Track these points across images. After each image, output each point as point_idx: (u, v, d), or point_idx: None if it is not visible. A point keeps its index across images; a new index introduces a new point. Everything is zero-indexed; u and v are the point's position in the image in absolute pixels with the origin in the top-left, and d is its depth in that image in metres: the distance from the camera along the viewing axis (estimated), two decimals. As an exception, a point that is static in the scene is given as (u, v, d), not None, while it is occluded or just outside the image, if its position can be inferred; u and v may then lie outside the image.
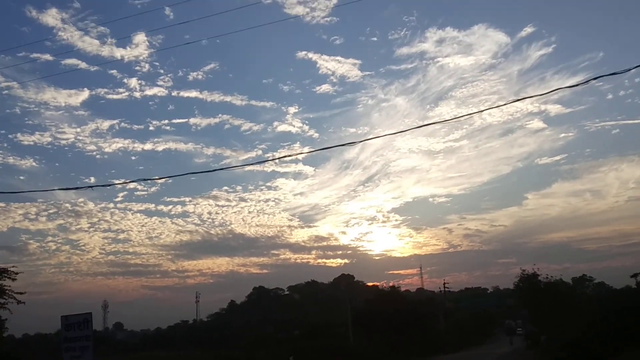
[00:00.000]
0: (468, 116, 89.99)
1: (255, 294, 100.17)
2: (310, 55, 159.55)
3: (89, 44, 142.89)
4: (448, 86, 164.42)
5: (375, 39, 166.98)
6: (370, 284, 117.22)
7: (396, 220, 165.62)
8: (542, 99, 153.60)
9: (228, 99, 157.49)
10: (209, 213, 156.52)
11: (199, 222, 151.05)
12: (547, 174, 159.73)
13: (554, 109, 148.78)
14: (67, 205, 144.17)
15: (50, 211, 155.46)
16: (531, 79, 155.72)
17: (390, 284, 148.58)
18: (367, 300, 61.02)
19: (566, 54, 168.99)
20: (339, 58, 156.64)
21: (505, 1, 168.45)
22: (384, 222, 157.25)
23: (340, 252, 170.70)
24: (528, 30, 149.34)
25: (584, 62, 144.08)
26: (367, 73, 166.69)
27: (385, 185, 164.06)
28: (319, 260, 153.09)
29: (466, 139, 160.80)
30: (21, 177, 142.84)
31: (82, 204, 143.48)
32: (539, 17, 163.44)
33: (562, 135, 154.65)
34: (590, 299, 46.84)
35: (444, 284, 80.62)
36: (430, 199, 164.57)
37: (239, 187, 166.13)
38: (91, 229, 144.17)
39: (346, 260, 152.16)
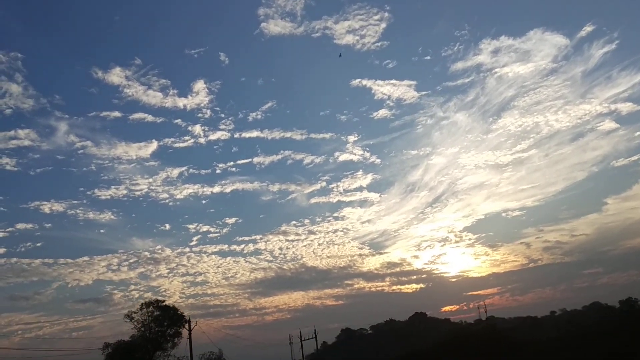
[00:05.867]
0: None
1: (343, 334, 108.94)
2: (365, 82, 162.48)
3: (153, 97, 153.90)
4: (509, 96, 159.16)
5: (428, 57, 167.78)
6: (448, 308, 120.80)
7: (469, 239, 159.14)
8: (612, 98, 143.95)
9: (288, 134, 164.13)
10: (280, 249, 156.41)
11: (271, 258, 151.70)
12: (625, 175, 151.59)
13: (625, 107, 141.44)
14: (146, 253, 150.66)
15: (131, 261, 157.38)
16: (597, 78, 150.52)
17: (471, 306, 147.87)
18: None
19: (631, 48, 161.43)
20: (393, 81, 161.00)
21: (559, 2, 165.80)
22: (456, 242, 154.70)
23: (415, 276, 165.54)
24: (587, 29, 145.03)
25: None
26: (424, 93, 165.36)
27: (454, 204, 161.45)
28: (394, 287, 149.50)
29: (535, 148, 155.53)
30: (101, 231, 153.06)
31: (159, 251, 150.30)
32: (597, 14, 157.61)
33: (638, 133, 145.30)
34: None
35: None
36: (503, 214, 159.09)
37: (306, 220, 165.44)
38: (170, 275, 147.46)
39: (422, 285, 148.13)
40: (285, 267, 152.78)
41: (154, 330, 47.44)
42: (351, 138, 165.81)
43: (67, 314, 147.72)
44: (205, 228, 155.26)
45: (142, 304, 48.76)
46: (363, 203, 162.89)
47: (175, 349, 48.73)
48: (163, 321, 47.96)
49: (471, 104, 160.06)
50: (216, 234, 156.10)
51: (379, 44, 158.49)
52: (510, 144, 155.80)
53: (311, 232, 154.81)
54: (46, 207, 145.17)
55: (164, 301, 50.09)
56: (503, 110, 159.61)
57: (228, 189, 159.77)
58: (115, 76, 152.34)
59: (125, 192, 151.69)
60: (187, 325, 49.11)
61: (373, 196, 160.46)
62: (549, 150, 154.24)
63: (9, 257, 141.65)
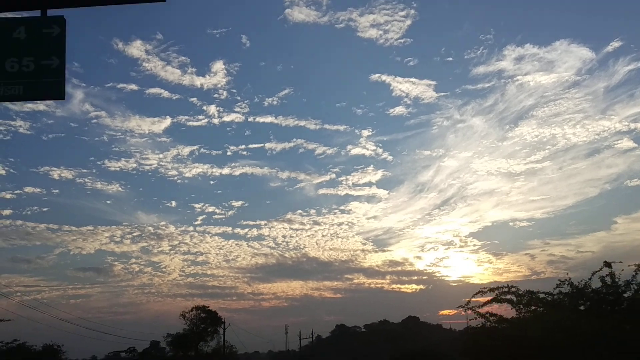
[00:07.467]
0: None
1: (338, 330, 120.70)
2: (384, 77, 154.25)
3: (171, 73, 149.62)
4: (528, 105, 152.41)
5: (450, 58, 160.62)
6: (446, 312, 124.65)
7: (474, 245, 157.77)
8: (632, 116, 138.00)
9: (302, 123, 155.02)
10: (284, 236, 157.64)
11: (273, 245, 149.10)
12: (638, 196, 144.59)
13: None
14: (150, 228, 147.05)
15: (134, 234, 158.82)
16: (619, 95, 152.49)
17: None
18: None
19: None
20: (413, 79, 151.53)
21: (589, 15, 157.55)
22: (461, 247, 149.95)
23: (416, 277, 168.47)
24: (615, 44, 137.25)
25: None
26: (443, 94, 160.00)
27: (462, 208, 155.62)
28: (394, 286, 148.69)
29: (549, 160, 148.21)
30: (108, 202, 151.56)
31: (163, 227, 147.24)
32: (626, 31, 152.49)
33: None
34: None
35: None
36: (511, 223, 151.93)
37: (312, 211, 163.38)
38: (172, 252, 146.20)
39: (422, 286, 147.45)
40: (286, 255, 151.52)
41: (200, 327, 60.58)
42: (365, 132, 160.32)
43: (67, 280, 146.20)
44: (211, 209, 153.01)
45: (192, 308, 63.56)
46: (371, 199, 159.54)
47: (212, 341, 62.42)
48: (206, 320, 61.24)
49: (489, 110, 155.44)
50: (221, 216, 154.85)
51: (402, 40, 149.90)
52: (524, 153, 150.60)
53: (316, 223, 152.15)
54: (55, 173, 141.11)
55: (208, 307, 64.57)
56: (521, 119, 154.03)
57: (237, 172, 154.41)
58: (136, 49, 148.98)
59: (134, 165, 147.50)
60: (222, 325, 63.82)
61: (381, 193, 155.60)
62: (563, 163, 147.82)
63: (15, 219, 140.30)
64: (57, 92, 8.31)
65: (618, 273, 14.96)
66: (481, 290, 16.14)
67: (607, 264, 14.76)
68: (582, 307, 15.16)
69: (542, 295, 15.54)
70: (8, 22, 8.51)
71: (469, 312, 16.59)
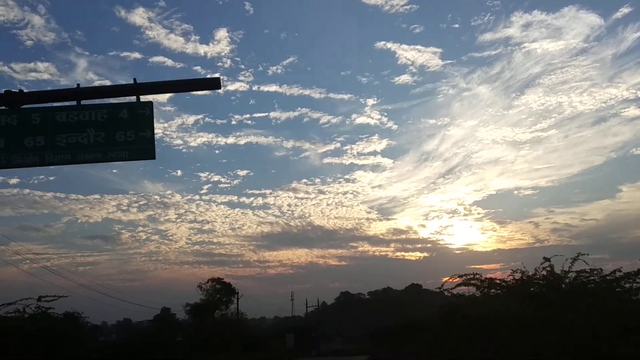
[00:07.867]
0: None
1: (342, 297, 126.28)
2: (389, 45, 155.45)
3: (174, 41, 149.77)
4: (535, 73, 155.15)
5: (456, 25, 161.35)
6: (447, 279, 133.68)
7: (478, 213, 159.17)
8: (639, 84, 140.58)
9: (307, 92, 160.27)
10: (289, 205, 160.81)
11: (279, 213, 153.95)
12: None
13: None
14: (156, 197, 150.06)
15: (141, 202, 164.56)
16: (627, 63, 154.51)
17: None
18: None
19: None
20: (418, 47, 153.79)
21: None
22: (465, 215, 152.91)
23: (420, 245, 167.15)
24: (624, 10, 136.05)
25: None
26: (448, 61, 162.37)
27: (467, 177, 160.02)
28: (398, 254, 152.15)
29: (555, 129, 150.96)
30: (114, 170, 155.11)
31: (169, 196, 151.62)
32: None
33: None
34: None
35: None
36: (515, 192, 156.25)
37: (317, 180, 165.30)
38: (178, 220, 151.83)
39: (425, 254, 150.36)
40: (292, 224, 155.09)
41: (215, 297, 66.09)
42: (370, 101, 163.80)
43: (75, 248, 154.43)
44: (216, 178, 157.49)
45: (208, 280, 69.36)
46: (375, 168, 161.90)
47: (226, 310, 67.85)
48: (222, 291, 66.70)
49: (495, 78, 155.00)
50: (227, 185, 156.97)
51: (407, 7, 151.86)
52: (530, 121, 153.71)
53: (321, 192, 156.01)
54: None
55: (222, 278, 70.33)
56: (527, 87, 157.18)
57: (242, 141, 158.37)
58: (138, 17, 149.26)
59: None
60: (236, 296, 69.73)
61: (386, 162, 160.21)
62: (569, 131, 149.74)
63: (22, 188, 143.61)
64: (151, 154, 12.11)
65: (561, 264, 19.08)
66: (452, 276, 20.41)
67: (547, 259, 18.96)
68: (532, 289, 19.33)
69: (497, 281, 19.90)
70: (116, 106, 12.42)
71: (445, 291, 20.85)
